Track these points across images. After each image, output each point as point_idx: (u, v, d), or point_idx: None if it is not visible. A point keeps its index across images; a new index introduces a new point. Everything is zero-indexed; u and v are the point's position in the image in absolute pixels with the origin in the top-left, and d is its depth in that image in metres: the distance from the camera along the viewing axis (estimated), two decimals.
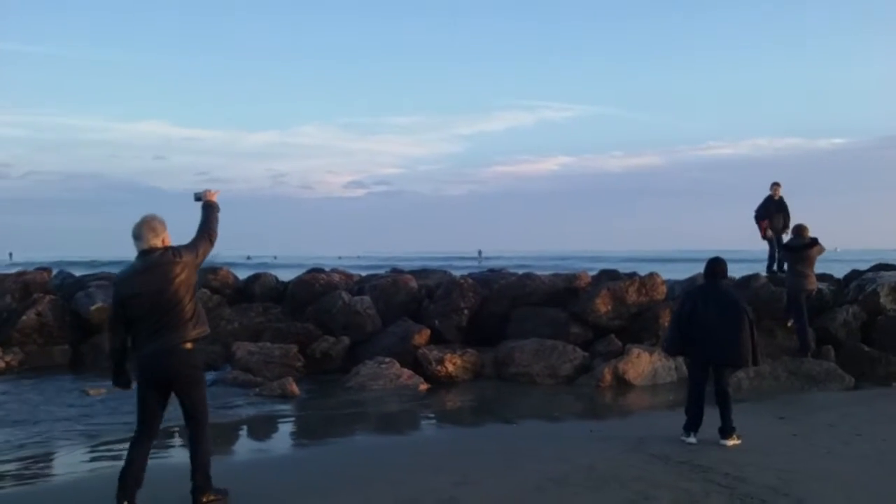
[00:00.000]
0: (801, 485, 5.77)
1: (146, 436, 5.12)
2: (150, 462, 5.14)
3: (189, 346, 5.02)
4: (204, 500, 5.08)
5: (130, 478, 4.97)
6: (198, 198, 5.44)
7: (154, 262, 4.96)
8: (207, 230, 5.31)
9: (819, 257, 11.44)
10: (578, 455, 6.67)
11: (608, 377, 10.79)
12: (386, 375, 10.88)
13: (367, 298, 13.17)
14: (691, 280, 13.42)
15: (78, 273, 17.20)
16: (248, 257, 74.12)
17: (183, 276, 4.98)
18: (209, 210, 5.39)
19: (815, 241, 11.09)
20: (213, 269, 14.78)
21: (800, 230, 11.40)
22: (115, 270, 19.70)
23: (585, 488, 5.69)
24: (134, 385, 5.11)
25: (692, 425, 7.24)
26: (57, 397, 10.22)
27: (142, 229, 5.01)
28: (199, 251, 5.16)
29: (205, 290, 14.08)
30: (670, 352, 8.14)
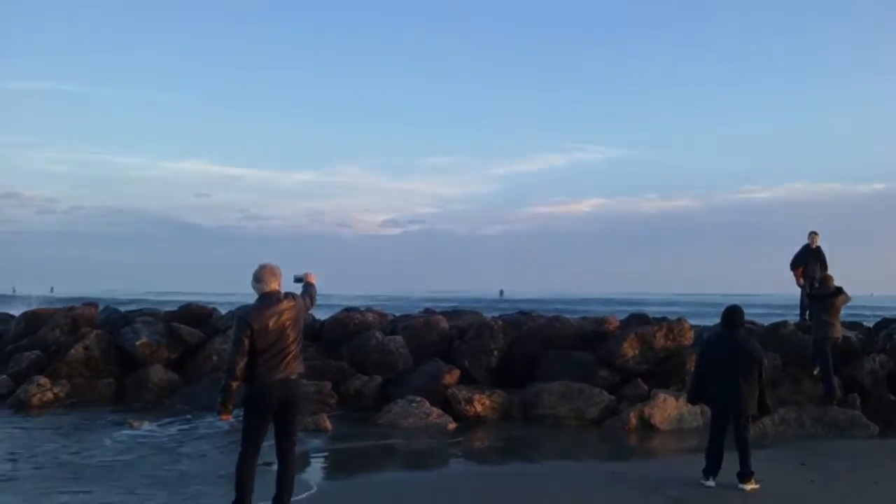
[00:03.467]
0: None
1: (256, 457, 5.78)
2: None
3: (302, 376, 5.97)
4: None
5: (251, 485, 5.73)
6: (298, 279, 6.31)
7: (282, 301, 5.78)
8: (311, 293, 6.24)
9: (848, 304, 11.58)
10: (597, 497, 6.95)
11: (633, 421, 10.99)
12: (416, 414, 11.21)
13: (399, 338, 13.57)
14: (713, 328, 13.59)
15: (120, 308, 17.86)
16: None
17: (301, 317, 5.91)
18: (310, 287, 6.30)
19: (840, 290, 11.25)
20: None
21: (825, 280, 11.59)
22: (155, 304, 20.41)
23: None
24: (229, 415, 5.70)
25: (712, 469, 7.46)
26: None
27: (265, 274, 5.87)
28: (308, 303, 6.13)
29: None
30: (691, 400, 8.38)
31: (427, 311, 16.66)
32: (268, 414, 5.75)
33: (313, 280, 6.35)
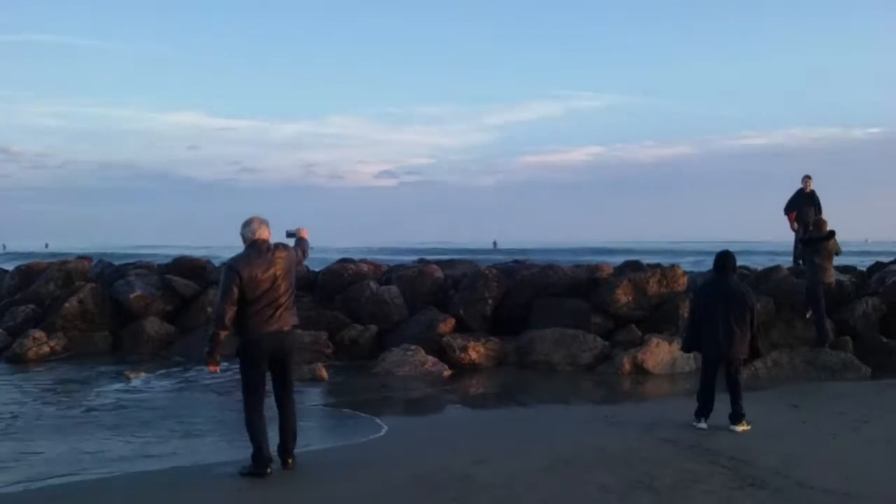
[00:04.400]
0: (801, 467, 6.03)
1: (261, 406, 5.79)
2: None
3: (296, 328, 6.00)
4: (290, 461, 5.89)
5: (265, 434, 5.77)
6: (290, 234, 6.23)
7: (273, 251, 5.73)
8: (303, 248, 6.17)
9: (843, 250, 11.58)
10: (590, 438, 7.01)
11: (627, 366, 11.07)
12: (411, 362, 11.27)
13: (394, 288, 13.56)
14: (706, 273, 13.60)
15: (115, 262, 17.81)
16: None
17: (293, 268, 5.83)
18: (302, 241, 6.22)
19: (831, 234, 11.23)
20: None
21: (818, 224, 11.56)
22: (150, 258, 20.32)
23: (593, 468, 6.02)
24: (216, 366, 5.68)
25: (703, 411, 7.52)
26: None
27: (254, 222, 5.77)
28: (300, 256, 6.09)
29: None
30: (686, 349, 8.40)
31: (421, 260, 16.62)
32: (262, 365, 5.75)
33: (305, 235, 6.26)
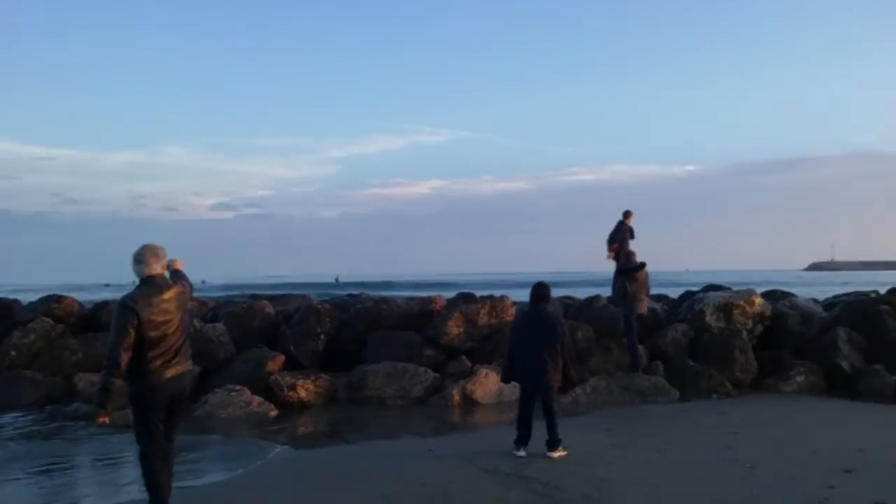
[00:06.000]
0: (610, 491, 6.29)
1: (160, 454, 5.34)
2: None
3: (190, 370, 5.55)
4: None
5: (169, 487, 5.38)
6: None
7: (170, 287, 5.29)
8: (186, 280, 5.68)
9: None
10: (413, 472, 6.97)
11: (457, 397, 11.20)
12: (235, 403, 10.82)
13: (220, 325, 13.01)
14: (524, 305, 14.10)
15: None
16: (107, 284, 70.60)
17: (187, 304, 5.48)
18: (180, 275, 5.73)
19: (643, 265, 12.00)
20: (58, 298, 14.17)
21: (628, 256, 12.32)
22: None
23: (411, 503, 5.97)
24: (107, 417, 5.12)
25: (522, 440, 7.70)
26: None
27: (146, 254, 5.26)
28: (188, 290, 5.61)
29: (46, 319, 13.48)
30: (504, 379, 8.47)
31: (253, 296, 16.11)
32: (159, 410, 5.29)
33: (181, 267, 5.83)
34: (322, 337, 12.96)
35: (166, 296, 5.23)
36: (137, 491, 6.33)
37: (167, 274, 5.51)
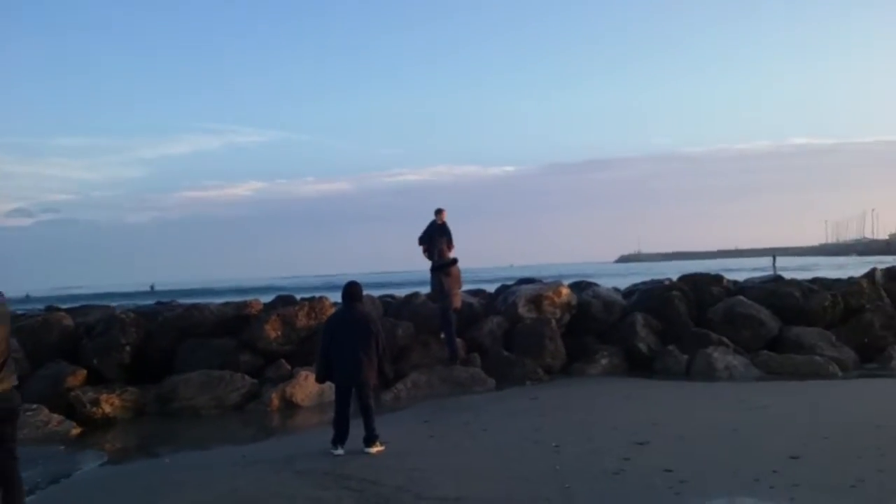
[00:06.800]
0: (424, 480, 6.41)
1: None
2: None
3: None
4: None
5: None
6: None
7: None
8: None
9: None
10: (223, 482, 6.72)
11: (276, 401, 10.95)
12: (32, 423, 9.93)
13: (13, 341, 11.85)
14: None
15: None
16: None
17: (9, 319, 5.27)
18: None
19: (454, 261, 12.35)
20: None
21: (441, 253, 12.65)
22: None
23: None
24: None
25: (339, 438, 7.66)
26: None
27: None
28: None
29: None
30: (319, 379, 8.38)
31: (49, 308, 14.87)
32: None
33: None
34: (127, 348, 12.16)
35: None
36: None
37: None
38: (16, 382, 5.23)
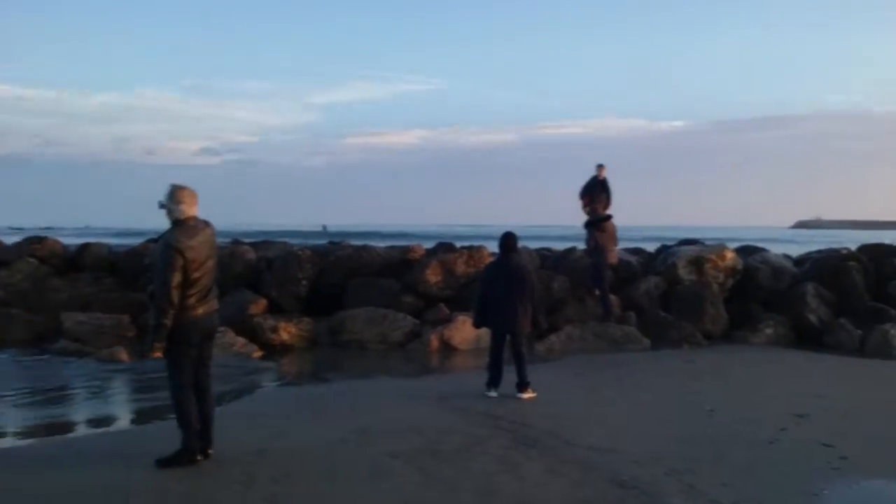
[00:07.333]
0: (572, 428, 6.64)
1: (192, 390, 5.53)
2: None
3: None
4: (210, 451, 5.64)
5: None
6: (162, 205, 5.47)
7: (207, 227, 5.47)
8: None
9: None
10: (387, 410, 7.30)
11: (435, 342, 11.52)
12: (220, 344, 10.98)
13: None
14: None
15: None
16: (86, 227, 70.34)
17: (216, 246, 5.64)
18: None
19: (609, 217, 12.29)
20: (39, 239, 14.30)
21: (594, 209, 12.61)
22: None
23: (386, 437, 6.29)
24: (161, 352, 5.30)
25: (493, 382, 8.04)
26: None
27: (185, 195, 5.38)
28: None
29: (31, 259, 13.62)
30: (476, 325, 8.72)
31: (235, 241, 16.28)
32: (195, 346, 5.46)
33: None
34: (304, 282, 13.18)
35: (203, 237, 5.37)
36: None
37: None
38: (217, 306, 5.66)
